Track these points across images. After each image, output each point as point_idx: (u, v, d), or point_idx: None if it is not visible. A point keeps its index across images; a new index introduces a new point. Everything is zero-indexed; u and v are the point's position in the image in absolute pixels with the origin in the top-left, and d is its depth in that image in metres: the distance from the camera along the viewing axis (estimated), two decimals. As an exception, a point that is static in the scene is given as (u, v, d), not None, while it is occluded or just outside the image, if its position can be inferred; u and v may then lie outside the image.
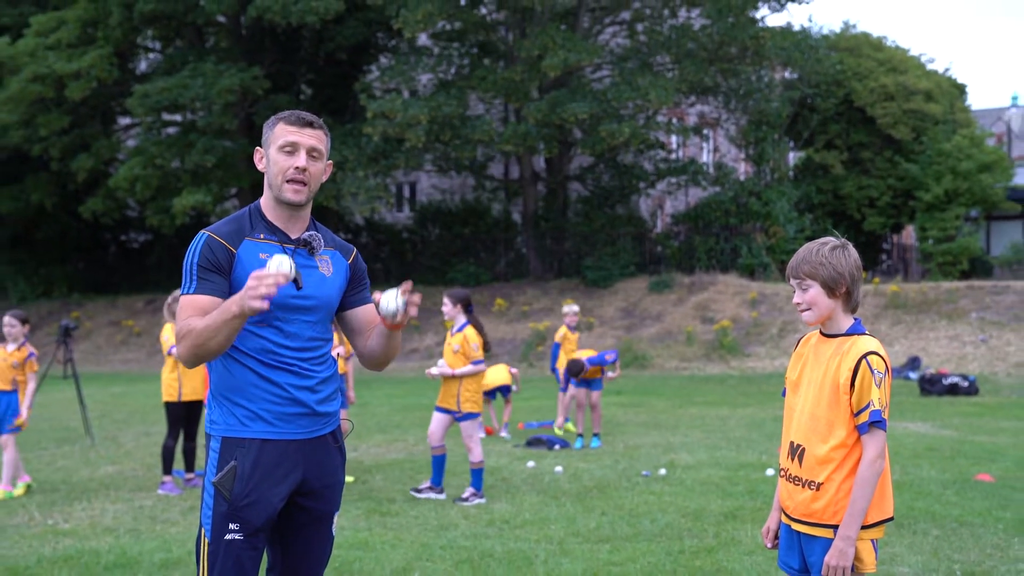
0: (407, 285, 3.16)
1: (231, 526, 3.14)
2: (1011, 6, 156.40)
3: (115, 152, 30.05)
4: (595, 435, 11.36)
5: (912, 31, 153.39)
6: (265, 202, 3.34)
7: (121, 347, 28.75)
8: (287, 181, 3.25)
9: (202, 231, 3.26)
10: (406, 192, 35.79)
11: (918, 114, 29.90)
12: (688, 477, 8.97)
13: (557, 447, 11.04)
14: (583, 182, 29.99)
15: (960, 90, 33.55)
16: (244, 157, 27.83)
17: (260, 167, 3.35)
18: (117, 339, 29.23)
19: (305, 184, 3.26)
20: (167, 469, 8.79)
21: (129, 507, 8.03)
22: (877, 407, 3.21)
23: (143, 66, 33.34)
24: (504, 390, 12.51)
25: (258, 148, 3.37)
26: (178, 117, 29.87)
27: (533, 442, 11.27)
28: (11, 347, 8.56)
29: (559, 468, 9.51)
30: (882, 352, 3.28)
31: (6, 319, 8.60)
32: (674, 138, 30.70)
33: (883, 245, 34.92)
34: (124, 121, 33.42)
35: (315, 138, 3.28)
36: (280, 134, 3.27)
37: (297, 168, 3.23)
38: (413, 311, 3.18)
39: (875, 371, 3.23)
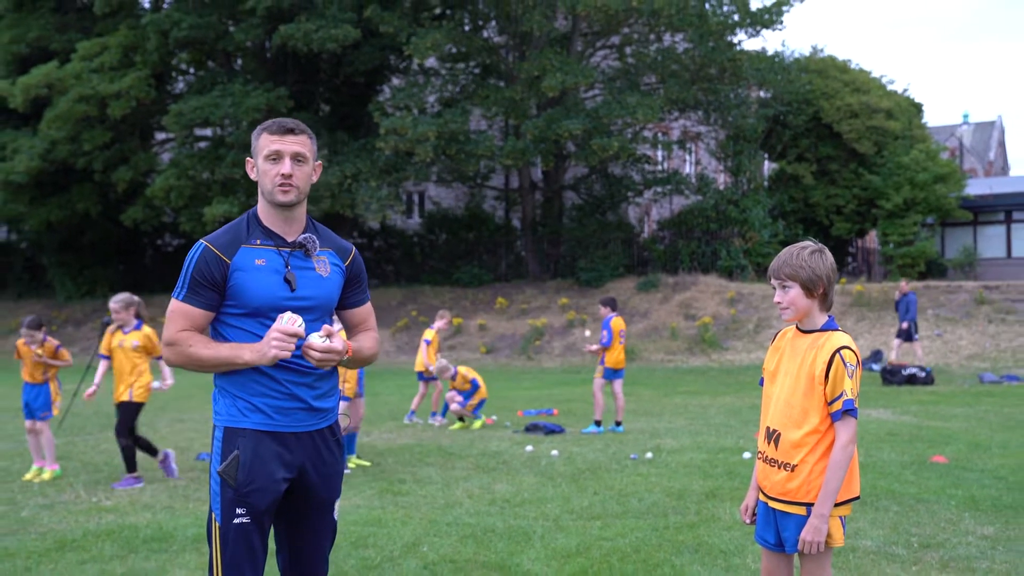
0: (327, 330, 3.01)
1: (238, 511, 3.03)
2: (964, 32, 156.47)
3: (152, 164, 30.05)
4: (610, 423, 11.23)
5: (874, 55, 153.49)
6: (261, 208, 3.18)
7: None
8: (276, 186, 3.11)
9: (201, 240, 3.11)
10: (415, 200, 35.74)
11: (879, 130, 29.91)
12: (672, 460, 8.94)
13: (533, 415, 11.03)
14: (577, 191, 29.95)
15: (917, 108, 33.52)
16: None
17: (252, 176, 3.19)
18: (154, 334, 29.16)
19: (293, 186, 3.11)
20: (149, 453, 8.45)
21: (164, 486, 8.02)
22: (850, 396, 3.19)
23: (178, 87, 33.32)
24: (421, 376, 12.59)
25: (248, 159, 3.21)
26: (209, 132, 29.86)
27: (531, 428, 11.25)
28: (35, 346, 8.68)
29: (555, 452, 9.47)
30: (854, 347, 3.26)
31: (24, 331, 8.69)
32: (659, 151, 30.65)
33: (849, 249, 34.90)
34: (160, 136, 33.42)
35: (298, 143, 3.12)
36: (264, 144, 3.12)
37: (283, 175, 3.08)
38: (314, 355, 3.00)
39: (848, 364, 3.21)
